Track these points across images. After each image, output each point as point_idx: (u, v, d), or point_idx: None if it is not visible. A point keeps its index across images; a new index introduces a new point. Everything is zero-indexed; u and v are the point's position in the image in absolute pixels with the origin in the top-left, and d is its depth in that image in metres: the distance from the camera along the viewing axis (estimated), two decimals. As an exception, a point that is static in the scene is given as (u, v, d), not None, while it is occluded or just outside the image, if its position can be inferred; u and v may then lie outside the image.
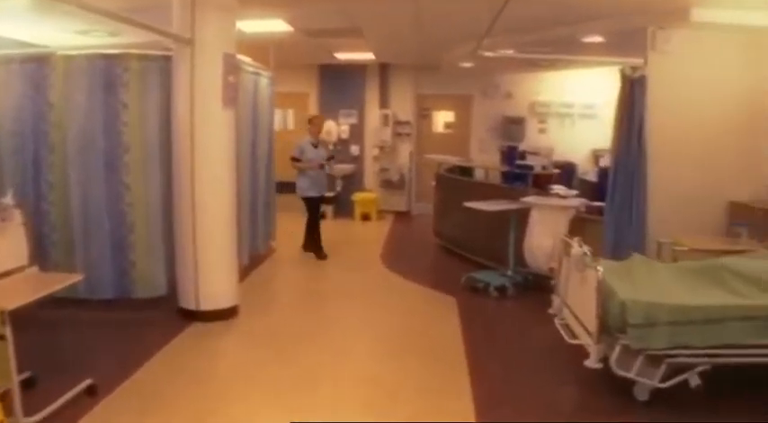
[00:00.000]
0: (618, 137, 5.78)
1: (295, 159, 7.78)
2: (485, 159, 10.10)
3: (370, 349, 4.86)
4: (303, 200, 7.95)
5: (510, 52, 5.95)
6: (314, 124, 7.96)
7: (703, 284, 4.19)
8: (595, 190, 8.04)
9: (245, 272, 6.59)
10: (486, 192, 7.16)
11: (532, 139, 11.19)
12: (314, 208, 7.99)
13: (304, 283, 6.96)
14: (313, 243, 7.97)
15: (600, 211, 6.19)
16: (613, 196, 5.80)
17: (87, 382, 3.81)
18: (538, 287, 6.28)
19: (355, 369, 4.44)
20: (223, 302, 5.38)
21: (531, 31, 6.07)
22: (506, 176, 7.34)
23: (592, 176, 9.77)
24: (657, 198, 5.73)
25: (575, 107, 11.27)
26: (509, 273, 6.47)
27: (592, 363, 3.85)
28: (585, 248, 4.17)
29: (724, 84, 5.82)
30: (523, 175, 6.85)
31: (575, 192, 6.64)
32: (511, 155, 7.48)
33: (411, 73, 11.29)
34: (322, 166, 7.88)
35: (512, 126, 11.39)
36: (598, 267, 3.84)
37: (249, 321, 5.39)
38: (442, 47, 8.03)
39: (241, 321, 5.40)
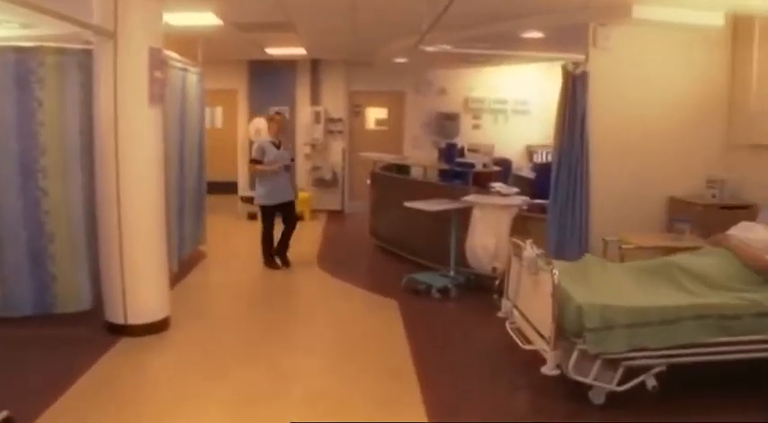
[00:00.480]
0: (560, 133, 5.71)
1: (255, 161, 7.01)
2: (419, 156, 9.95)
3: (313, 360, 4.58)
4: (262, 208, 7.18)
5: (449, 47, 5.80)
6: (275, 122, 7.24)
7: (656, 284, 4.13)
8: (532, 187, 8.02)
9: (175, 279, 6.18)
10: (425, 190, 6.99)
11: (467, 135, 11.12)
12: (272, 217, 7.18)
13: (238, 289, 6.58)
14: (269, 256, 7.23)
15: (542, 208, 6.13)
16: (556, 194, 5.74)
17: (2, 414, 3.35)
18: (480, 288, 6.16)
19: (298, 383, 4.17)
20: (154, 314, 5.00)
21: (470, 26, 5.93)
22: (445, 174, 7.19)
23: (527, 173, 9.78)
24: (599, 195, 5.70)
25: (508, 103, 11.29)
26: (451, 273, 6.32)
27: (549, 369, 3.70)
28: (538, 250, 4.04)
29: (664, 80, 5.83)
30: (464, 173, 6.71)
31: (515, 189, 6.55)
32: (450, 152, 7.34)
33: (343, 69, 11.01)
34: (288, 168, 7.19)
35: (446, 122, 11.29)
36: (554, 270, 3.71)
37: (182, 334, 5.03)
38: (378, 42, 7.81)
39: (174, 334, 5.03)
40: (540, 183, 8.03)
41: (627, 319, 3.66)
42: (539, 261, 3.97)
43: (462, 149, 7.65)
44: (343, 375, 4.30)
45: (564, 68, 5.64)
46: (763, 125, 5.61)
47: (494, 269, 5.95)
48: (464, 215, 6.24)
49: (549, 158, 10.62)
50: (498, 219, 5.95)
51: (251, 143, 8.00)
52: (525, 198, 6.32)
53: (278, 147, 7.11)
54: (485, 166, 6.76)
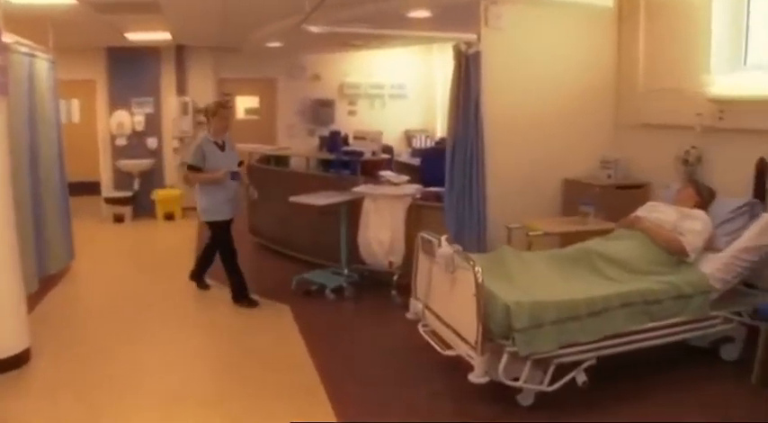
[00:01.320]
0: (454, 117, 5.38)
1: (193, 169, 5.39)
2: (296, 145, 9.39)
3: (204, 387, 3.98)
4: (210, 224, 5.62)
5: (336, 28, 5.32)
6: (219, 117, 5.43)
7: (579, 273, 3.89)
8: (419, 173, 7.71)
9: (34, 300, 5.29)
10: (308, 183, 6.49)
11: (342, 121, 10.68)
12: (226, 233, 5.61)
13: (109, 307, 5.70)
14: (238, 283, 5.59)
15: (435, 196, 5.80)
16: (452, 181, 5.41)
17: None
18: (377, 284, 5.77)
19: (189, 417, 3.57)
20: (10, 348, 4.17)
21: (353, 5, 5.48)
22: (330, 165, 6.70)
23: (408, 158, 9.50)
24: (496, 180, 5.42)
25: (385, 88, 10.95)
26: (344, 271, 5.88)
27: (477, 377, 3.33)
28: (455, 246, 3.67)
29: (557, 61, 5.63)
30: (351, 162, 6.27)
31: (406, 177, 6.21)
32: (334, 141, 6.88)
33: (210, 55, 10.19)
34: (236, 176, 5.57)
35: (321, 109, 10.81)
36: (476, 269, 3.36)
37: (46, 367, 4.23)
38: (251, 24, 7.15)
39: (36, 368, 4.22)
40: (426, 169, 7.76)
41: (556, 315, 3.39)
42: (456, 258, 3.62)
43: (346, 137, 7.21)
44: (241, 401, 3.74)
45: (456, 49, 5.31)
46: (651, 105, 5.56)
47: (390, 264, 5.58)
48: (354, 207, 5.81)
49: (429, 143, 10.46)
50: (392, 210, 5.58)
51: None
52: (418, 186, 5.98)
53: (222, 148, 5.49)
54: (373, 153, 6.36)
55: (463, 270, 3.53)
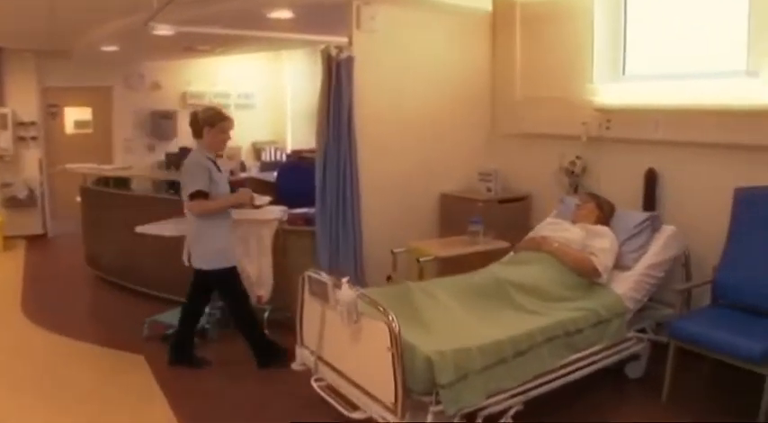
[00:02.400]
0: (324, 129, 4.72)
1: (202, 195, 3.97)
2: (135, 163, 8.24)
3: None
4: (216, 274, 4.12)
5: (181, 28, 4.49)
6: (218, 129, 4.11)
7: (494, 307, 3.36)
8: (273, 190, 6.89)
9: None
10: (156, 208, 5.49)
11: (186, 135, 9.58)
12: (238, 279, 4.27)
13: None
14: (263, 343, 4.30)
15: (304, 220, 5.08)
16: (324, 200, 4.76)
17: None
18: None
19: None
20: None
21: (207, 3, 4.67)
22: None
23: (256, 173, 8.62)
24: (372, 198, 4.86)
25: (231, 97, 10.01)
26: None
27: (401, 446, 2.71)
28: (357, 290, 3.00)
29: (433, 67, 5.18)
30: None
31: (268, 198, 5.46)
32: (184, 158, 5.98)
33: (34, 61, 8.66)
34: (255, 205, 4.44)
35: (161, 121, 9.66)
36: (391, 318, 2.72)
37: None
38: (83, 23, 5.99)
39: None
40: (282, 185, 6.94)
41: (482, 362, 2.85)
42: (360, 305, 2.95)
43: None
44: None
45: (325, 53, 4.65)
46: (529, 113, 5.23)
47: (259, 299, 4.80)
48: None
49: (280, 156, 9.68)
50: (257, 237, 4.80)
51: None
52: (283, 208, 5.25)
53: (217, 168, 4.19)
54: (232, 173, 5.54)
55: (370, 318, 2.89)
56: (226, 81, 9.99)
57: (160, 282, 5.65)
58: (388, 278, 4.32)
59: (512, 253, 4.30)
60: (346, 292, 2.93)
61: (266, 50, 9.25)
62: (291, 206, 5.75)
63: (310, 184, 5.05)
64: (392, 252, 4.44)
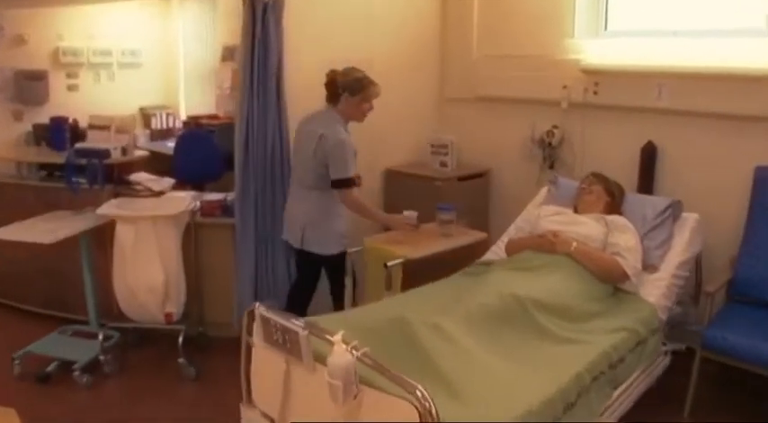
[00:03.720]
0: (246, 92, 3.44)
1: (354, 182, 3.19)
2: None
3: None
4: (334, 260, 3.32)
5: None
6: (365, 95, 3.17)
7: (520, 340, 2.35)
8: (169, 165, 5.47)
9: None
10: (23, 200, 4.03)
11: (61, 100, 7.84)
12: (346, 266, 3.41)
13: None
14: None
15: (221, 208, 3.85)
16: (245, 183, 3.52)
17: None
18: (152, 343, 3.76)
19: None
20: None
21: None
22: (57, 171, 4.24)
23: (145, 143, 7.05)
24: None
25: (113, 54, 8.26)
26: (98, 333, 3.61)
27: None
28: (358, 349, 1.84)
29: (376, 17, 3.98)
30: (89, 166, 3.98)
31: (171, 181, 4.17)
32: (59, 133, 4.52)
33: None
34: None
35: (29, 83, 7.80)
36: (420, 394, 1.61)
37: None
38: None
39: None
40: (182, 160, 5.52)
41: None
42: (360, 371, 1.81)
43: (76, 126, 4.80)
44: None
45: (246, -3, 3.39)
46: (488, 75, 4.21)
47: (168, 317, 3.55)
48: (103, 235, 3.67)
49: (174, 123, 8.10)
50: (162, 237, 3.48)
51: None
52: (192, 194, 3.99)
53: None
54: (124, 152, 4.14)
55: (377, 391, 1.79)
56: (107, 35, 8.22)
57: (35, 294, 4.19)
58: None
59: (498, 252, 3.31)
60: (341, 355, 1.77)
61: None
62: (192, 183, 4.59)
63: (214, 156, 4.37)
64: (346, 254, 3.31)
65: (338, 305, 3.35)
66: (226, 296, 3.61)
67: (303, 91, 3.56)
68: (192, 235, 3.61)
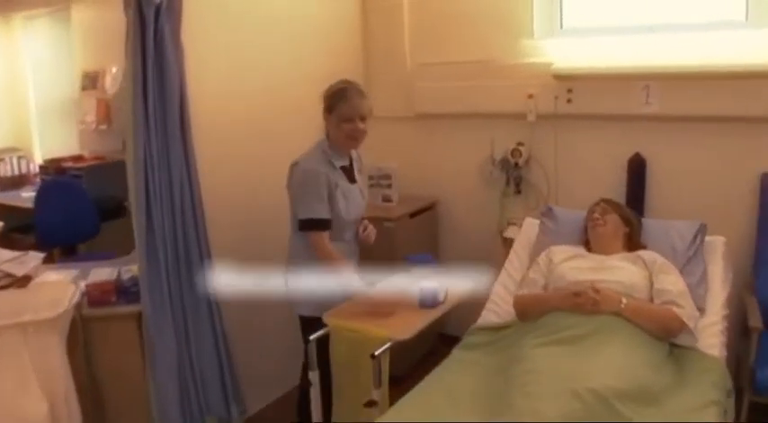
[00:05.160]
0: (140, 126, 2.33)
1: (321, 225, 2.29)
2: None
3: None
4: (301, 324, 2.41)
5: None
6: (337, 116, 2.30)
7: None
8: (32, 221, 4.11)
9: None
10: None
11: None
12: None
13: None
14: None
15: (115, 290, 2.68)
16: (151, 248, 2.43)
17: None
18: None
19: None
20: None
21: None
22: None
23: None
24: (221, 232, 2.68)
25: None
26: None
27: None
28: None
29: (288, 23, 3.04)
30: None
31: (37, 256, 2.89)
32: None
33: None
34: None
35: None
36: None
37: None
38: None
39: None
40: (44, 214, 4.15)
41: None
42: None
43: None
44: None
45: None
46: (426, 87, 3.40)
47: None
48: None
49: (30, 169, 6.53)
50: (40, 350, 2.30)
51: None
52: (72, 272, 2.81)
53: (351, 177, 2.46)
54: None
55: None
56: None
57: None
58: (370, 403, 2.17)
59: (498, 312, 2.49)
60: None
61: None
62: (61, 245, 3.86)
63: (86, 209, 3.72)
64: (306, 341, 2.32)
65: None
66: (139, 409, 2.50)
67: (209, 118, 2.58)
68: (80, 336, 2.47)
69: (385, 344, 2.12)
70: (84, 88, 4.98)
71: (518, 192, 3.19)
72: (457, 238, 3.43)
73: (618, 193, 2.93)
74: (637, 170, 2.92)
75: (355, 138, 2.37)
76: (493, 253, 3.24)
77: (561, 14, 3.13)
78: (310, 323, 2.34)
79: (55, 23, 5.58)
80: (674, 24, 2.85)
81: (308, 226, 2.32)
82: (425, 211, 3.41)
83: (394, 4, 3.38)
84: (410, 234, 3.17)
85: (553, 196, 3.08)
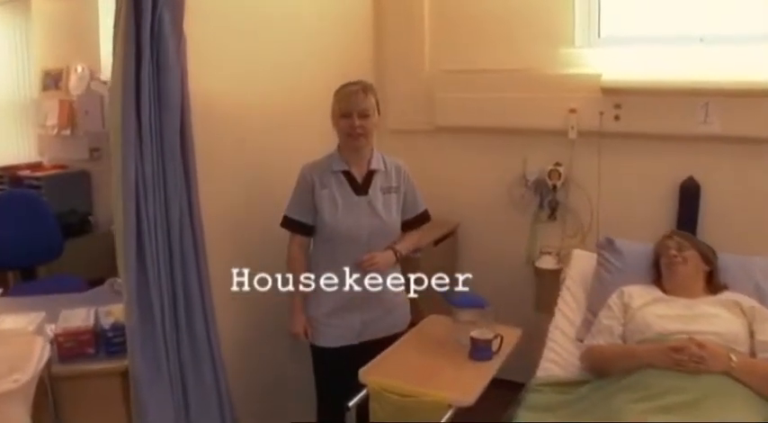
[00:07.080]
0: (131, 137, 1.75)
1: (293, 227, 2.06)
2: None
3: None
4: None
5: None
6: (337, 114, 2.01)
7: None
8: None
9: None
10: None
11: None
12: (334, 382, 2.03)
13: None
14: None
15: (93, 340, 2.07)
16: (142, 286, 1.80)
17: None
18: None
19: None
20: None
21: None
22: None
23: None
24: (221, 260, 2.11)
25: None
26: None
27: None
28: None
29: (294, 26, 2.50)
30: None
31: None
32: None
33: None
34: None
35: None
36: None
37: None
38: None
39: None
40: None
41: None
42: None
43: None
44: None
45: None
46: (448, 95, 2.92)
47: None
48: None
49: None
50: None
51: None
52: (39, 314, 2.16)
53: (358, 187, 2.06)
54: None
55: None
56: None
57: None
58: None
59: (559, 362, 2.03)
60: None
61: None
62: (19, 268, 3.21)
63: (47, 225, 3.14)
64: (347, 409, 1.80)
65: None
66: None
67: (214, 129, 2.04)
68: (49, 399, 1.88)
69: (444, 410, 1.66)
70: (44, 88, 4.33)
71: (553, 217, 2.74)
72: (478, 265, 2.94)
73: (667, 221, 2.53)
74: (690, 196, 2.51)
75: (353, 136, 2.02)
76: (520, 284, 2.80)
77: (599, 21, 2.71)
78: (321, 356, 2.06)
79: (13, 15, 4.81)
80: (728, 36, 2.45)
81: (283, 223, 2.11)
82: (448, 238, 2.92)
83: (413, 2, 2.88)
84: (435, 262, 2.68)
85: (594, 223, 2.65)
